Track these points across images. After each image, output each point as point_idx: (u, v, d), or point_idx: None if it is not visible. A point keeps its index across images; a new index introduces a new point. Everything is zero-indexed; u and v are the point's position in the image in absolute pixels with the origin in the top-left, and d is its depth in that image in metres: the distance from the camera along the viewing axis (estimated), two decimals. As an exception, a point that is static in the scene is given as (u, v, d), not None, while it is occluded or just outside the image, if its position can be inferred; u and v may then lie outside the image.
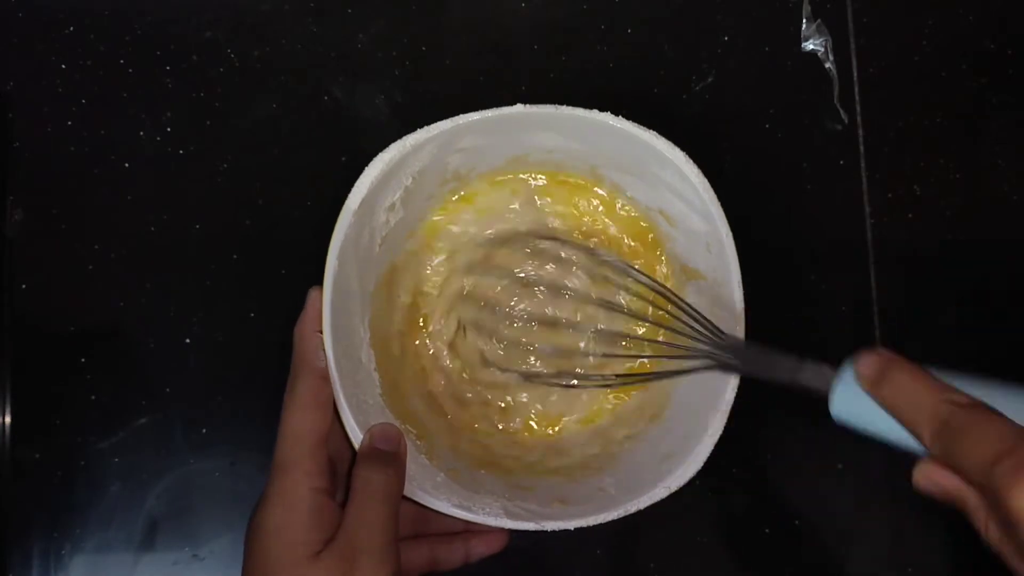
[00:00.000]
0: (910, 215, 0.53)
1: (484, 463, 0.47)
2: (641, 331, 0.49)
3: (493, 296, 0.49)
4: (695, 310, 0.43)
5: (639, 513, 0.43)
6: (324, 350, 0.41)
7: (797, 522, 0.51)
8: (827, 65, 0.53)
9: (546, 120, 0.44)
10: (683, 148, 0.45)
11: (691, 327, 0.42)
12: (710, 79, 0.53)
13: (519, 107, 0.44)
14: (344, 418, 0.41)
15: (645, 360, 0.48)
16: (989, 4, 0.55)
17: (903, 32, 0.54)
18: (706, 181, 0.44)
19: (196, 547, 0.48)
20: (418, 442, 0.45)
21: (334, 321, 0.42)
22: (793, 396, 0.51)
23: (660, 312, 0.46)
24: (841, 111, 0.53)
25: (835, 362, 0.38)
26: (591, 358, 0.49)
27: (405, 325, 0.49)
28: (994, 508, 0.31)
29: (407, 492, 0.41)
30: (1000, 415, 0.33)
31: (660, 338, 0.48)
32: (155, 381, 0.49)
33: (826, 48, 0.53)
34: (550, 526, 0.42)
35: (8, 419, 0.48)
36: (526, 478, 0.46)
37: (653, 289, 0.46)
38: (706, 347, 0.42)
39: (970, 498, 0.33)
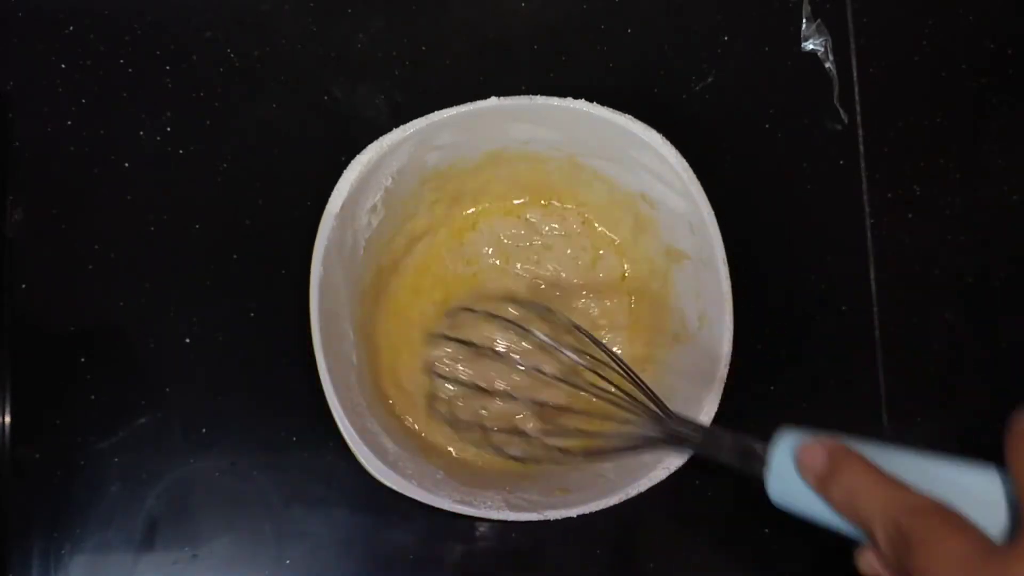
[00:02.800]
0: (910, 215, 0.53)
1: (482, 457, 0.47)
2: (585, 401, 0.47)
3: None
4: (646, 387, 0.42)
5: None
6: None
7: (797, 522, 0.51)
8: (827, 65, 0.53)
9: (521, 111, 0.44)
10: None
11: (639, 404, 0.41)
12: (710, 79, 0.53)
13: (493, 100, 0.44)
14: (339, 420, 0.41)
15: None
16: (989, 4, 0.55)
17: (903, 32, 0.54)
18: (684, 161, 0.44)
19: (196, 547, 0.48)
20: (417, 440, 0.45)
21: (323, 326, 0.42)
22: (793, 396, 0.51)
23: (607, 384, 0.44)
24: (841, 111, 0.53)
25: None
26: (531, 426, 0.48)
27: (393, 325, 0.49)
28: None
29: (407, 492, 0.41)
30: (960, 523, 0.30)
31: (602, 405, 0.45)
32: (155, 381, 0.49)
33: (826, 48, 0.53)
34: (552, 515, 0.42)
35: (8, 419, 0.48)
36: (525, 468, 0.46)
37: (605, 362, 0.44)
38: (653, 425, 0.41)
39: None
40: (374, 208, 0.45)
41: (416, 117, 0.45)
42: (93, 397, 0.48)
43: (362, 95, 0.51)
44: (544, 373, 0.46)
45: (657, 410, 0.41)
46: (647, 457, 0.43)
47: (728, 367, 0.43)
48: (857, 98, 0.53)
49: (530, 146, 0.47)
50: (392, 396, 0.47)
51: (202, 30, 0.51)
